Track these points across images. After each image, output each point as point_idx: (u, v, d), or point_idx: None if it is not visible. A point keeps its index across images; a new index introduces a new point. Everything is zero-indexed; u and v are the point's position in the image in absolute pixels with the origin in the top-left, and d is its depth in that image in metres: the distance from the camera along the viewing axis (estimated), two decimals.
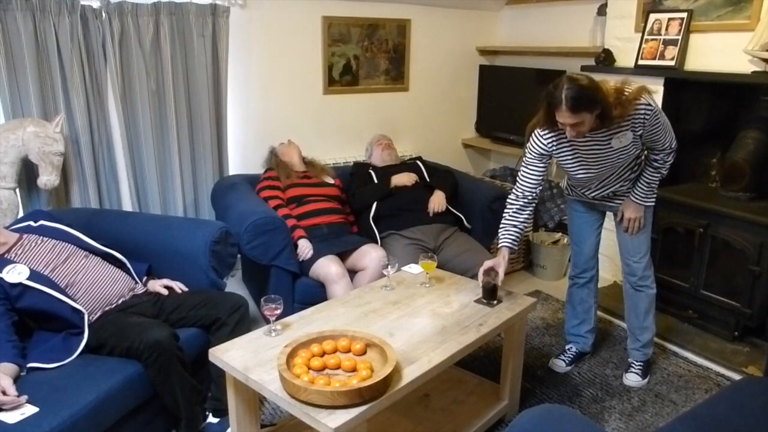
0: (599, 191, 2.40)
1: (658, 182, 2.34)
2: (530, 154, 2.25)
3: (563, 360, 2.66)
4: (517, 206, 2.28)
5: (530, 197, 2.28)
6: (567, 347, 2.73)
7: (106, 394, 1.78)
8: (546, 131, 2.20)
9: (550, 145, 2.21)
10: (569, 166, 2.28)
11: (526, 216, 2.29)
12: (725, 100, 3.03)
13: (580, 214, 2.57)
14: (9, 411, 1.64)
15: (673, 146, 2.23)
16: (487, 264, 2.19)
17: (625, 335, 2.92)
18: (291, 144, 3.31)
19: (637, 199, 2.34)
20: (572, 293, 2.69)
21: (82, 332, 1.97)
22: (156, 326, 1.96)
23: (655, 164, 2.29)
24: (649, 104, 2.08)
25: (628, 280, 2.51)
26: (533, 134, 2.24)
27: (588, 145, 2.17)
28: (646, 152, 2.32)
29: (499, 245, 2.28)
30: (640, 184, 2.33)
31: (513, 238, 2.27)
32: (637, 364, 2.58)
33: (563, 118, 2.00)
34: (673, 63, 2.94)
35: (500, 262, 2.18)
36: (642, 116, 2.08)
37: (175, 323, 2.12)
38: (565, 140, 2.18)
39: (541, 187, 2.29)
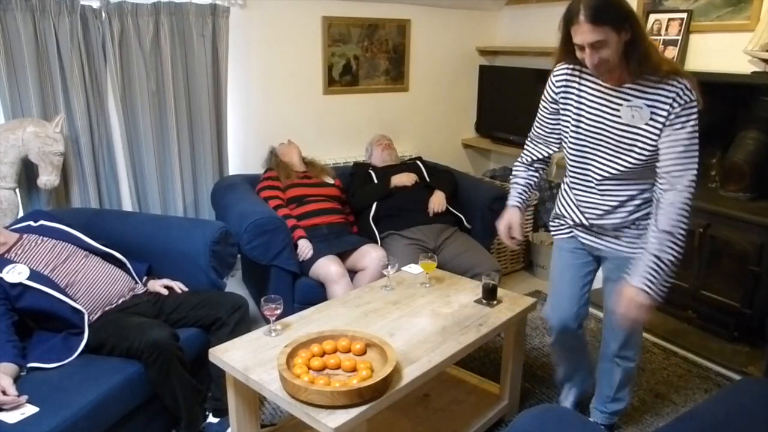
0: (595, 206, 1.85)
1: (671, 262, 1.67)
2: (542, 98, 1.90)
3: (568, 400, 2.31)
4: (521, 167, 2.02)
5: (534, 155, 1.98)
6: (565, 390, 2.33)
7: (106, 394, 1.78)
8: (560, 68, 1.82)
9: (559, 85, 1.82)
10: (565, 131, 1.86)
11: (530, 174, 2.01)
12: (725, 100, 3.03)
13: (564, 253, 2.04)
14: (9, 411, 1.64)
15: (689, 185, 1.64)
16: (504, 223, 1.97)
17: None
18: (291, 144, 3.31)
19: (639, 278, 1.69)
20: (555, 341, 2.16)
21: (82, 332, 1.97)
22: (156, 326, 1.96)
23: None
24: (692, 91, 1.63)
25: (604, 346, 2.10)
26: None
27: (595, 104, 1.75)
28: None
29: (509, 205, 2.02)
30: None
31: (519, 195, 2.01)
32: (599, 426, 2.10)
33: (581, 34, 1.58)
34: None
35: (513, 219, 1.96)
36: (673, 96, 1.61)
37: (175, 323, 2.12)
38: (574, 86, 1.79)
39: (551, 148, 1.94)
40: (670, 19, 2.97)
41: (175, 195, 3.15)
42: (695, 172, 1.65)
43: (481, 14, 4.25)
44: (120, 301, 2.15)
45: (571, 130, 1.82)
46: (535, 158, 2.00)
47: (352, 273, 2.77)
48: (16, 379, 1.76)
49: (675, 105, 1.62)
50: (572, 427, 1.27)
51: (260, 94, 3.43)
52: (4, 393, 1.66)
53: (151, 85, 2.94)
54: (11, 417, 1.62)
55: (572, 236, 2.00)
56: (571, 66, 1.79)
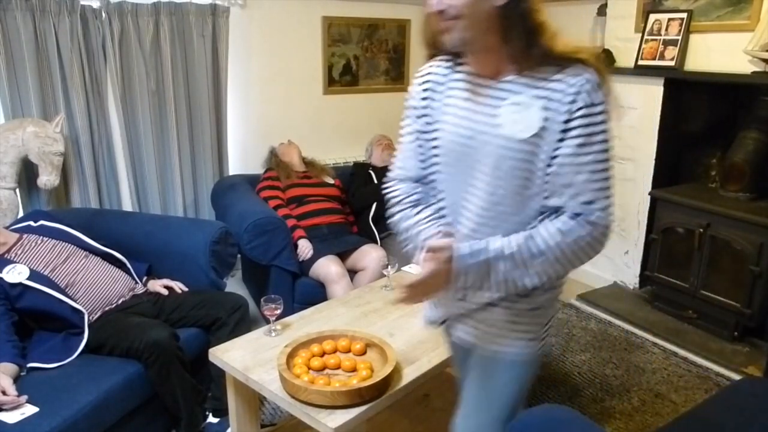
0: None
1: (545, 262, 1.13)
2: (404, 122, 1.36)
3: None
4: (409, 208, 1.31)
5: (408, 180, 1.33)
6: None
7: (106, 394, 1.78)
8: (425, 69, 1.31)
9: (421, 91, 1.30)
10: (432, 149, 1.29)
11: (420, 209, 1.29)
12: (725, 100, 3.03)
13: (452, 352, 1.55)
14: (9, 411, 1.64)
15: (600, 207, 1.09)
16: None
17: (626, 336, 2.93)
18: (291, 144, 3.31)
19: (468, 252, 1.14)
20: None
21: (82, 332, 1.96)
22: (156, 326, 1.96)
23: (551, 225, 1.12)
24: (602, 87, 1.08)
25: None
26: None
27: (462, 109, 1.20)
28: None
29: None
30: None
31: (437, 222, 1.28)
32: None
33: None
34: (673, 63, 2.94)
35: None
36: (574, 92, 1.06)
37: (175, 323, 2.12)
38: (440, 89, 1.26)
39: (423, 170, 1.30)
40: (670, 19, 2.97)
41: (175, 195, 3.15)
42: (608, 193, 1.10)
43: None
44: (120, 301, 2.15)
45: (433, 152, 1.27)
46: (407, 192, 1.32)
47: (352, 273, 2.77)
48: (16, 379, 1.76)
49: (578, 103, 1.06)
50: (573, 427, 1.27)
51: (260, 94, 3.43)
52: (4, 393, 1.66)
53: (151, 85, 2.94)
54: (11, 417, 1.62)
55: (445, 326, 1.40)
56: (437, 63, 1.28)
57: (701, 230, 2.82)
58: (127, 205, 3.05)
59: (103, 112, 2.88)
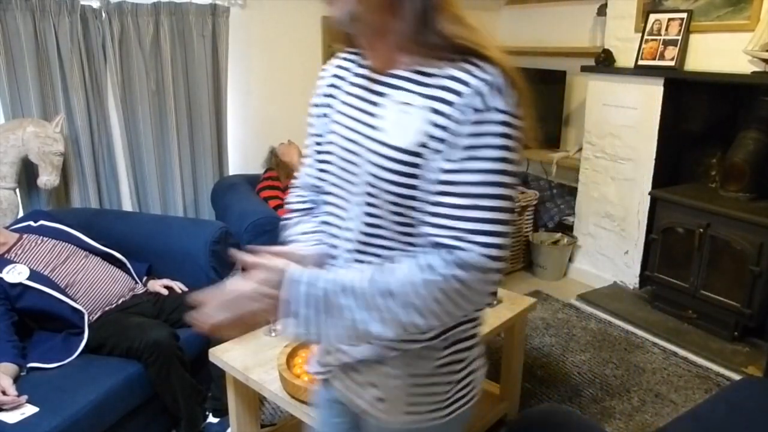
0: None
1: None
2: (309, 123, 1.12)
3: None
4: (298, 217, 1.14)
5: (308, 193, 1.14)
6: None
7: (106, 394, 1.78)
8: (332, 62, 1.08)
9: (324, 87, 1.06)
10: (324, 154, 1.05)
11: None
12: (725, 100, 3.03)
13: (319, 410, 1.20)
14: (9, 411, 1.64)
15: (479, 243, 0.82)
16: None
17: (626, 336, 2.93)
18: (291, 144, 3.31)
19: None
20: None
21: (82, 332, 1.97)
22: (156, 326, 1.96)
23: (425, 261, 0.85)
24: (499, 89, 0.84)
25: None
26: None
27: (350, 107, 0.98)
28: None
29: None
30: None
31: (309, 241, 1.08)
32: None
33: None
34: (673, 63, 2.94)
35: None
36: (469, 92, 0.83)
37: (176, 323, 2.12)
38: (342, 84, 1.02)
39: (318, 179, 1.07)
40: (670, 19, 2.97)
41: (175, 195, 3.15)
42: (493, 247, 0.82)
43: (480, 14, 4.25)
44: (120, 301, 2.15)
45: (324, 158, 1.04)
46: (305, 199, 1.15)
47: None
48: (16, 379, 1.76)
49: (470, 108, 0.82)
50: (573, 427, 1.27)
51: (260, 94, 3.44)
52: (4, 393, 1.66)
53: (151, 85, 2.94)
54: (11, 417, 1.62)
55: (327, 380, 1.11)
56: (344, 56, 1.06)
57: (701, 230, 2.82)
58: (127, 205, 3.05)
59: (103, 112, 2.88)
